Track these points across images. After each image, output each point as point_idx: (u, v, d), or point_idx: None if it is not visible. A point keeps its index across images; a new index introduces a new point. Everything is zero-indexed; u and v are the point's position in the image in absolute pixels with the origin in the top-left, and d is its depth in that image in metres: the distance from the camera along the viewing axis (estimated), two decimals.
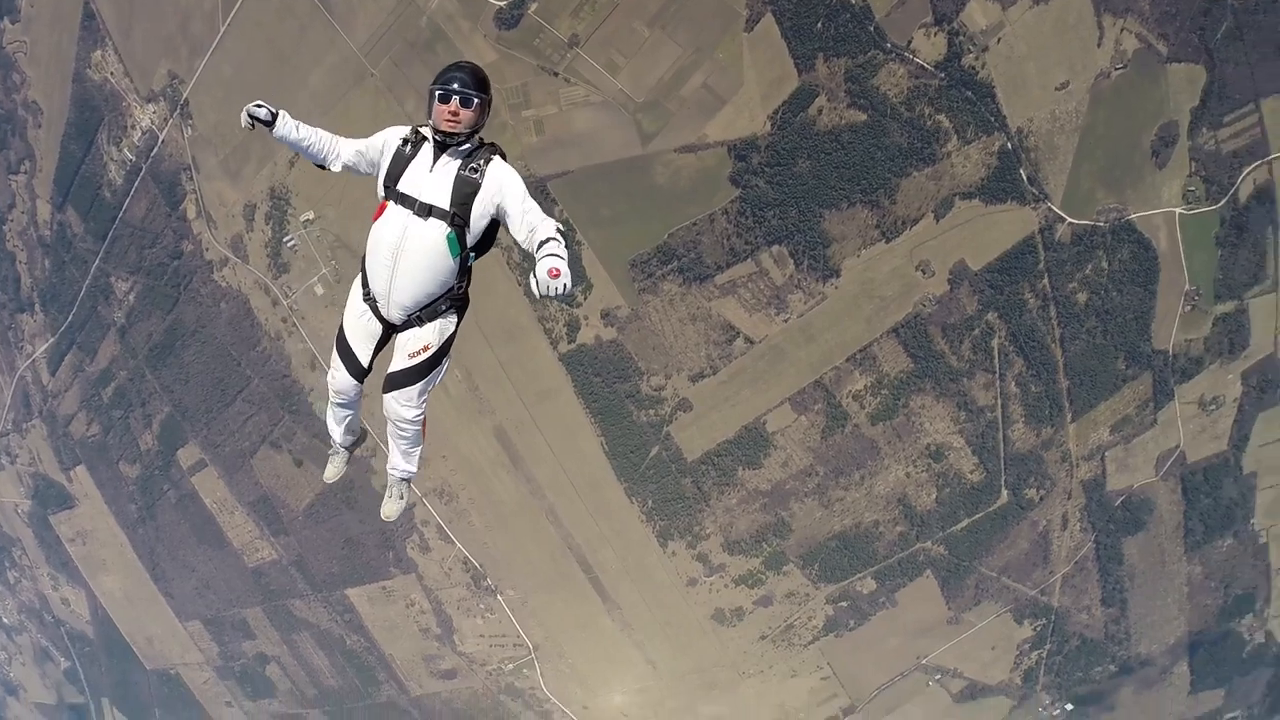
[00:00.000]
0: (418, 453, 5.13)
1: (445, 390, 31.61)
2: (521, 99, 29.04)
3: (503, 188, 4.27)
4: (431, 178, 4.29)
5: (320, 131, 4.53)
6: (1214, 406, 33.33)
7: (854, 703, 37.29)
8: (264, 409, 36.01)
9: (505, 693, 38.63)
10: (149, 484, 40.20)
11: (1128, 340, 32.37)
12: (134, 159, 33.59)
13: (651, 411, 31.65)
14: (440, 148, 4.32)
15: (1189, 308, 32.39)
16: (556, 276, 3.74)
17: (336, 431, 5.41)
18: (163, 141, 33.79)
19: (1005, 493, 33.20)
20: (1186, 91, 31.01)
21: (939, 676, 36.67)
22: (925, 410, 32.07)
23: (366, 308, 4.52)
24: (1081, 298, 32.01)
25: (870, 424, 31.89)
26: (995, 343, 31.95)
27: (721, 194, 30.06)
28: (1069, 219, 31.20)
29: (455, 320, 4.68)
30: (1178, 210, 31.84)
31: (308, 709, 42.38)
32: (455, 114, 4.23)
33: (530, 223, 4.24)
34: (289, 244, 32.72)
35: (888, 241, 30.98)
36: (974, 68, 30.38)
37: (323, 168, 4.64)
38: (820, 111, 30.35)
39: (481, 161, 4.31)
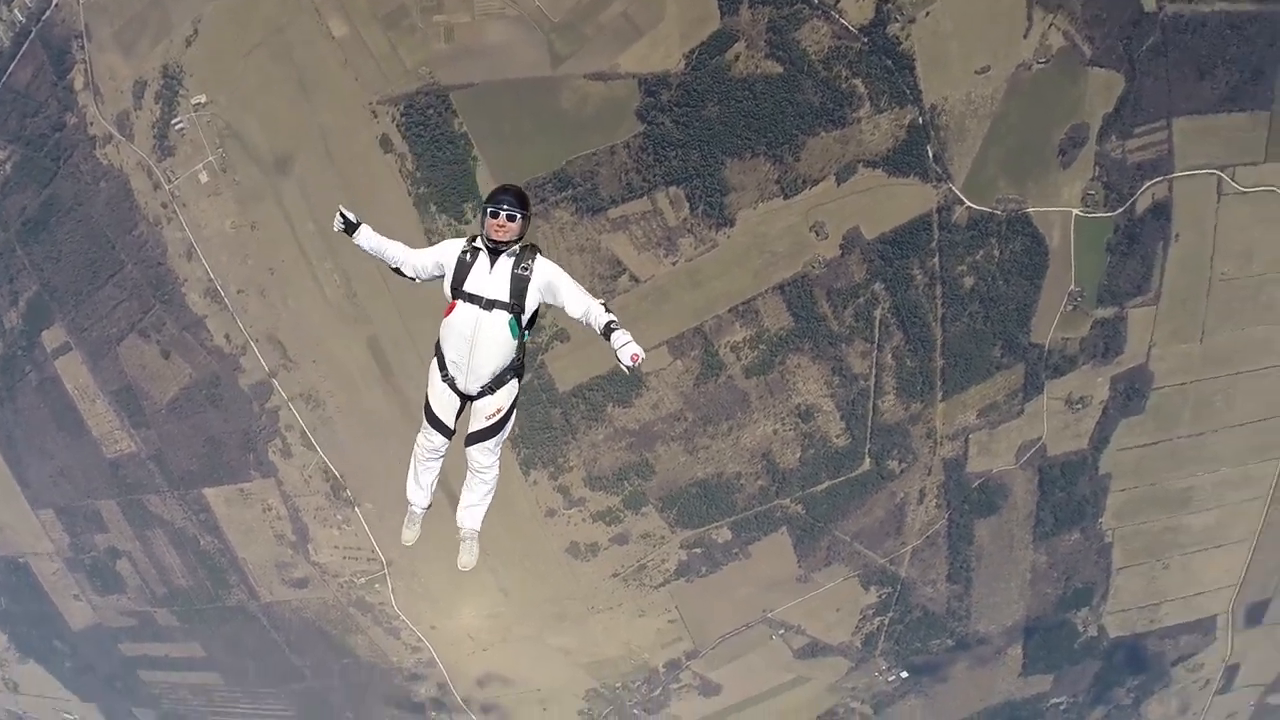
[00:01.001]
0: (488, 503, 7.25)
1: (322, 293, 36.54)
2: (434, 2, 32.89)
3: (551, 281, 6.13)
4: (491, 278, 6.10)
5: (396, 244, 6.56)
6: (1080, 406, 40.13)
7: (697, 648, 44.62)
8: (135, 296, 39.96)
9: (355, 606, 44.62)
10: (10, 364, 43.76)
11: (1007, 330, 38.66)
12: (23, 20, 36.24)
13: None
14: (493, 254, 6.11)
15: (1071, 307, 38.75)
16: (638, 360, 5.77)
17: (417, 495, 7.44)
18: (56, 5, 36.33)
19: (868, 461, 39.77)
20: (1103, 97, 36.92)
21: (783, 631, 43.92)
22: (800, 370, 38.07)
23: (446, 386, 6.46)
24: (968, 281, 37.97)
25: (744, 376, 37.81)
26: (878, 313, 37.93)
27: (626, 127, 34.79)
28: (968, 202, 36.99)
29: (517, 384, 6.49)
30: (1075, 211, 38.11)
31: (156, 607, 47.77)
32: (503, 226, 6.03)
33: (584, 305, 6.12)
34: (177, 126, 36.22)
35: (786, 198, 36.32)
36: (898, 37, 35.43)
37: (398, 272, 6.54)
38: (737, 58, 35.07)
39: (529, 260, 6.11)
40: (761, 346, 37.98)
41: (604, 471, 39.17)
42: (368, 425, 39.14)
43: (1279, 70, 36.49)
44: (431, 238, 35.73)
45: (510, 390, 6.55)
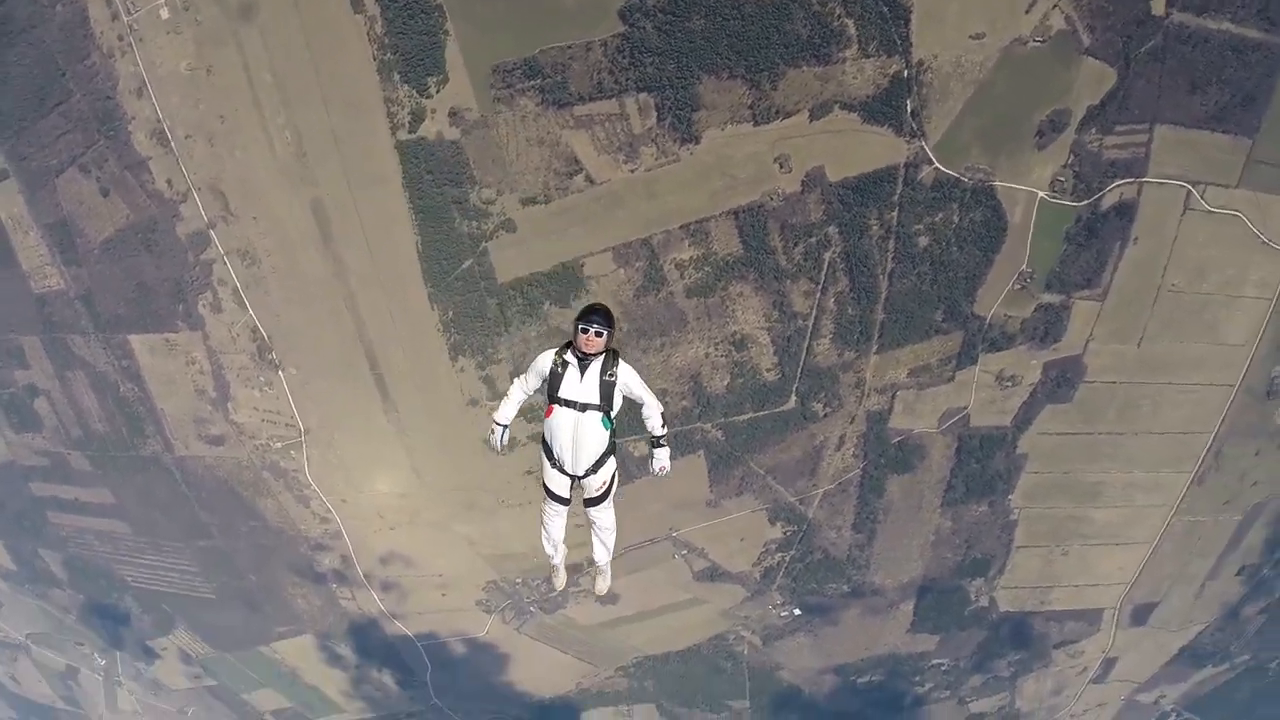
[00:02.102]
0: (612, 542, 10.79)
1: (272, 149, 42.68)
2: None
3: (629, 384, 9.26)
4: (582, 386, 9.07)
5: (518, 395, 9.88)
6: (1010, 384, 48.11)
7: None
8: (80, 128, 45.13)
9: (269, 470, 52.29)
10: None
11: (952, 296, 46.14)
12: None
13: (474, 224, 44.11)
14: (581, 364, 9.06)
15: (1019, 287, 46.21)
16: (664, 471, 9.51)
17: (553, 551, 10.89)
18: None
19: (794, 399, 47.71)
20: (1091, 88, 43.52)
21: (685, 552, 52.88)
22: (742, 299, 45.33)
23: (557, 471, 9.57)
24: (923, 241, 45.11)
25: (685, 296, 45.01)
26: (828, 256, 45.07)
27: (606, 25, 40.71)
28: (937, 164, 43.81)
29: (614, 459, 9.63)
30: (1041, 194, 45.14)
31: (70, 450, 55.22)
32: (592, 341, 8.91)
33: (652, 409, 9.57)
34: None
35: (756, 125, 42.81)
36: None
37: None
38: None
39: (614, 367, 9.10)
40: (707, 269, 44.95)
41: None
42: (302, 289, 46.05)
43: (1270, 102, 42.92)
44: (390, 106, 41.59)
45: (610, 466, 9.64)
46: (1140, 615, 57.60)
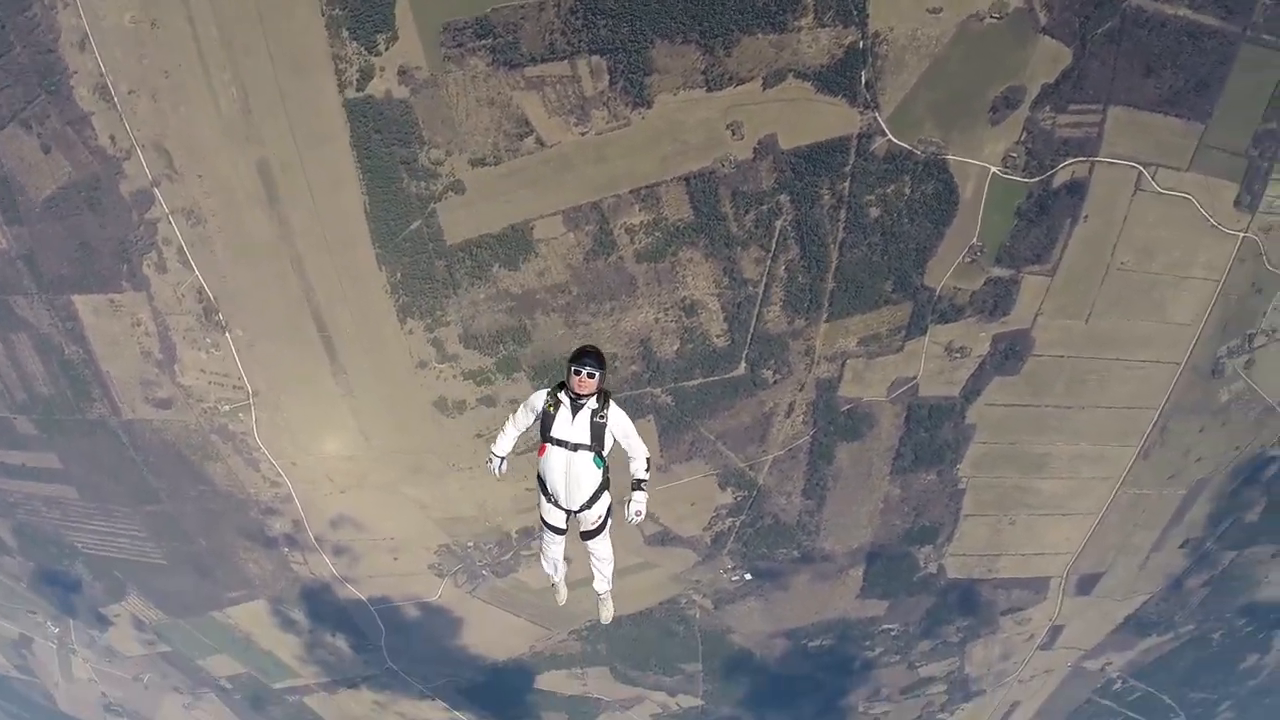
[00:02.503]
0: (610, 571, 12.43)
1: (217, 106, 45.10)
2: None
3: (619, 427, 10.25)
4: (574, 426, 10.16)
5: (513, 431, 11.20)
6: (959, 355, 51.86)
7: None
8: (21, 82, 46.63)
9: (217, 433, 55.21)
10: None
11: (902, 268, 49.64)
12: None
13: (423, 184, 46.92)
14: (574, 406, 10.12)
15: (969, 260, 49.72)
16: (640, 516, 10.74)
17: (552, 571, 12.69)
18: None
19: (744, 366, 51.32)
20: (1047, 67, 46.63)
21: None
22: (692, 265, 48.61)
23: (553, 506, 10.87)
24: (874, 212, 48.50)
25: (635, 260, 48.22)
26: (779, 224, 48.33)
27: None
28: (890, 136, 47.02)
29: (608, 494, 10.88)
30: (994, 169, 48.49)
31: (16, 414, 57.58)
32: (584, 383, 9.89)
33: (637, 452, 10.64)
34: None
35: (709, 91, 45.78)
36: None
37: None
38: None
39: (605, 409, 10.10)
40: (657, 234, 48.17)
41: (481, 331, 50.24)
42: (248, 249, 48.71)
43: (1224, 89, 46.29)
44: (338, 64, 44.11)
45: (605, 500, 10.94)
46: (1086, 585, 62.28)
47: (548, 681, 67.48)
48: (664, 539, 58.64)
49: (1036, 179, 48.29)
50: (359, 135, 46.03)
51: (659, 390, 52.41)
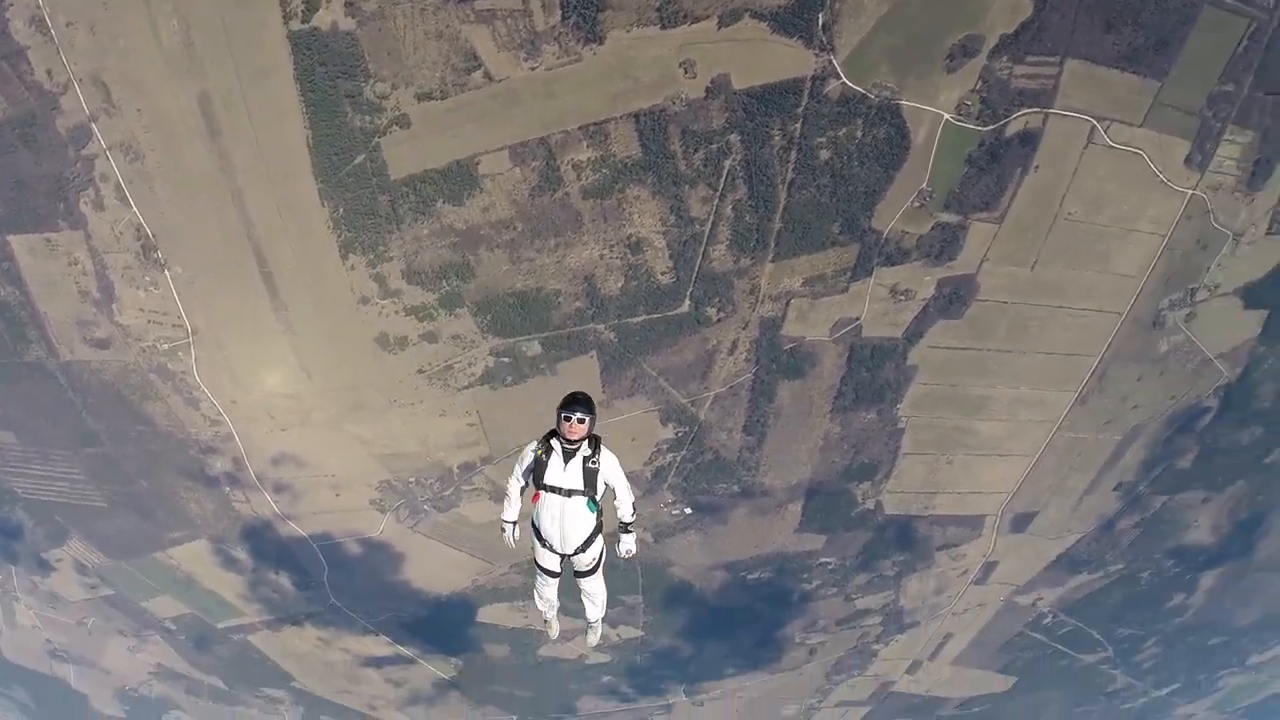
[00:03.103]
0: (603, 603, 14.05)
1: (157, 37, 47.93)
2: None
3: (611, 470, 11.90)
4: (566, 473, 11.72)
5: (517, 489, 12.82)
6: (903, 298, 57.75)
7: (493, 454, 63.33)
8: None
9: (156, 373, 59.20)
10: None
11: (850, 210, 55.03)
12: None
13: (367, 119, 50.81)
14: (566, 453, 11.72)
15: (918, 205, 55.23)
16: (631, 554, 12.92)
17: (546, 609, 14.35)
18: None
19: (688, 303, 56.69)
20: (1006, 17, 51.41)
21: None
22: (639, 202, 53.51)
23: (547, 550, 12.45)
24: (824, 154, 53.54)
25: (581, 197, 52.95)
26: (728, 163, 53.25)
27: None
28: (845, 79, 51.80)
29: (601, 537, 12.52)
30: (947, 116, 53.58)
31: None
32: (574, 429, 11.46)
33: (625, 497, 12.24)
34: None
35: (662, 28, 50.20)
36: None
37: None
38: None
39: (596, 454, 11.73)
40: (604, 170, 52.82)
41: (424, 267, 54.83)
42: (187, 186, 52.15)
43: (1183, 49, 51.42)
44: (290, 22, 47.87)
45: (599, 544, 12.60)
46: (1020, 523, 70.23)
47: (490, 615, 74.76)
48: None
49: (989, 128, 53.45)
50: (303, 68, 49.50)
51: (602, 326, 57.73)
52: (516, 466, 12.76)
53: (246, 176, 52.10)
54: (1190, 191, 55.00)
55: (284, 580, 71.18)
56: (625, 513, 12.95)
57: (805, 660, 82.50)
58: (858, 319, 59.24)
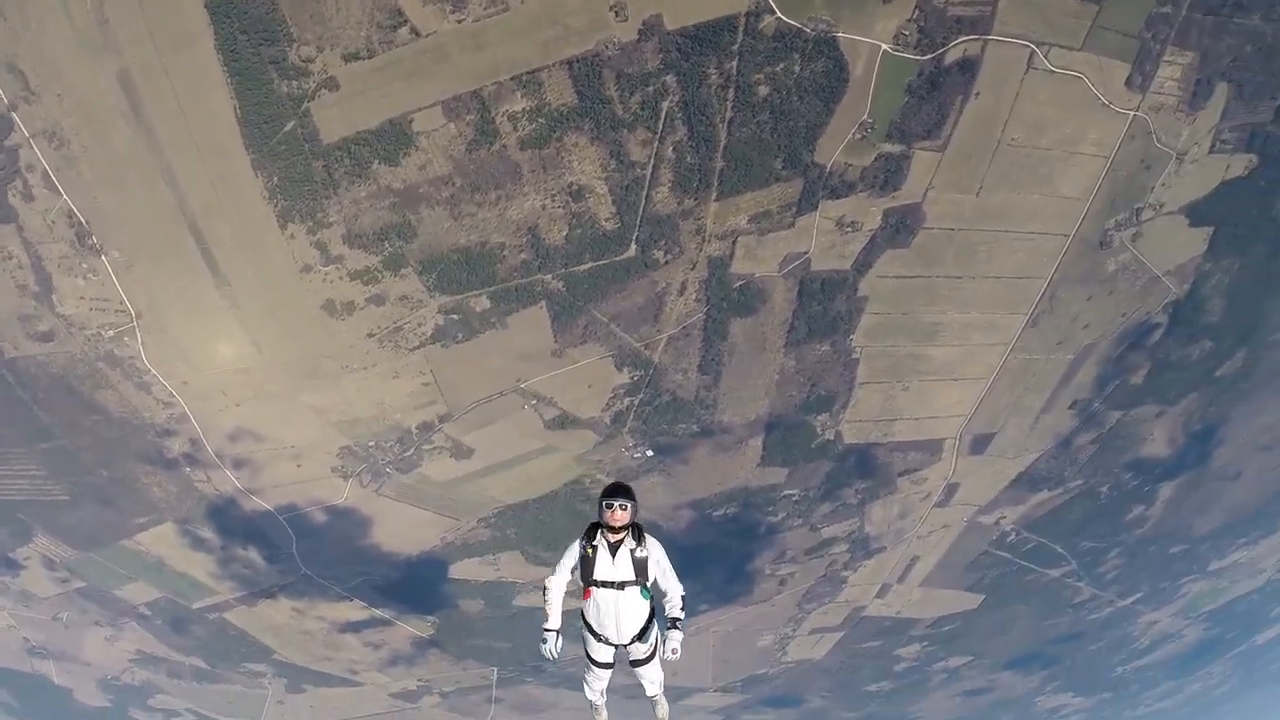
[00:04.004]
0: (660, 682, 14.20)
1: (69, 18, 48.46)
2: None
3: (658, 558, 12.43)
4: (615, 566, 12.27)
5: (559, 591, 12.85)
6: (850, 230, 60.26)
7: (451, 412, 65.90)
8: None
9: (104, 360, 60.41)
10: None
11: (792, 145, 57.13)
12: None
13: (295, 84, 51.91)
14: (612, 547, 12.25)
15: (860, 136, 57.46)
16: (676, 654, 13.04)
17: (596, 698, 14.72)
18: None
19: (634, 247, 58.89)
20: None
21: (535, 402, 65.39)
22: (578, 149, 55.34)
23: (600, 644, 13.01)
24: (763, 91, 55.40)
25: (519, 148, 54.67)
26: (665, 105, 55.04)
27: None
28: (779, 14, 53.47)
29: (656, 624, 12.98)
30: (885, 47, 55.53)
31: None
32: (617, 515, 12.02)
33: (672, 587, 12.66)
34: None
35: None
36: None
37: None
38: None
39: (643, 544, 12.31)
40: (540, 120, 54.48)
41: (364, 230, 56.50)
42: (115, 167, 53.03)
43: None
44: None
45: (653, 631, 13.10)
46: (979, 445, 74.00)
47: (461, 570, 78.12)
48: (563, 422, 67.49)
49: (928, 56, 55.51)
50: (224, 36, 50.37)
51: (549, 276, 59.87)
52: (560, 569, 13.01)
53: (176, 153, 53.13)
54: (1132, 113, 57.53)
55: (253, 555, 73.70)
56: (675, 608, 13.08)
57: (776, 591, 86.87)
58: (806, 253, 61.67)
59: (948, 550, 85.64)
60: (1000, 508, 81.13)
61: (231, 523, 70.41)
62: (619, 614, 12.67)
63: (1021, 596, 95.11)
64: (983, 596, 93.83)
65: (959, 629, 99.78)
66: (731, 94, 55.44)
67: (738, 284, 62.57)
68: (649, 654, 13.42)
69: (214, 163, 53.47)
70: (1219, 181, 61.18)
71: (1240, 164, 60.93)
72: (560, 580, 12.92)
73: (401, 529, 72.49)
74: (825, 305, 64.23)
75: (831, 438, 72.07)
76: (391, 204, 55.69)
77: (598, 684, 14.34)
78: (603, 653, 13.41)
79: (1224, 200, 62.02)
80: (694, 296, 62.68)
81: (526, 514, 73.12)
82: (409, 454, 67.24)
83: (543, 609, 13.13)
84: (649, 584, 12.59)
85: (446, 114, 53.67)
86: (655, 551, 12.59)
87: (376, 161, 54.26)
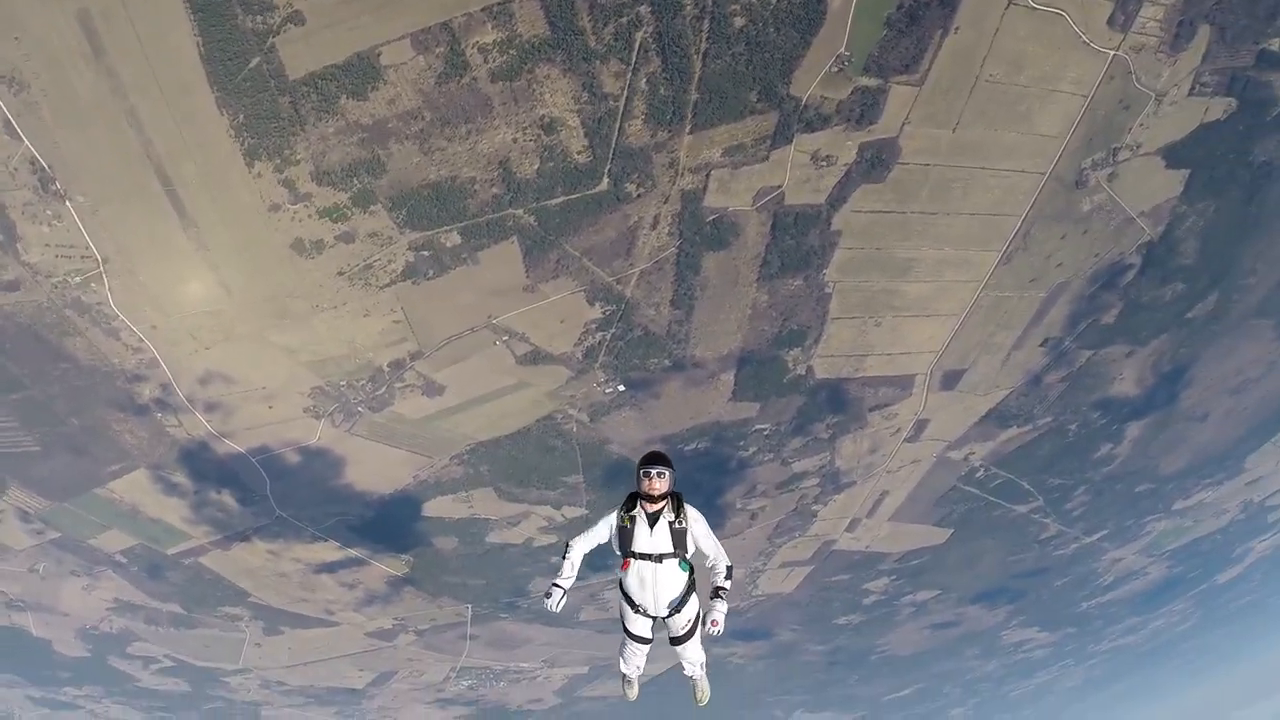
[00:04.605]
0: (701, 664, 14.47)
1: None
2: None
3: (697, 533, 12.77)
4: (654, 537, 12.55)
5: (578, 553, 13.36)
6: (825, 164, 61.37)
7: (422, 349, 66.99)
8: None
9: (71, 308, 60.57)
10: None
11: (768, 77, 57.95)
12: None
13: (259, 19, 51.78)
14: (651, 518, 12.52)
15: (836, 69, 58.36)
16: (717, 627, 13.14)
17: (630, 673, 14.86)
18: None
19: (606, 181, 59.80)
20: None
21: (506, 338, 66.75)
22: (550, 81, 55.90)
23: (639, 617, 13.13)
24: (739, 22, 56.09)
25: (490, 80, 55.12)
26: (639, 36, 55.68)
27: None
28: None
29: (695, 598, 13.13)
30: None
31: None
32: (655, 483, 12.32)
33: (715, 555, 13.22)
34: None
35: None
36: None
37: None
38: None
39: (682, 514, 12.60)
40: (512, 51, 54.90)
41: (332, 166, 56.70)
42: (78, 111, 52.52)
43: None
44: None
45: (693, 603, 13.25)
46: (950, 381, 76.26)
47: (435, 508, 79.90)
48: (535, 358, 68.85)
49: None
50: None
51: (521, 211, 60.69)
52: (589, 533, 13.48)
53: (139, 94, 52.83)
54: (1113, 52, 58.59)
55: (227, 498, 75.06)
56: (720, 576, 13.50)
57: (747, 525, 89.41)
58: (780, 187, 62.80)
59: (917, 485, 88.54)
60: (969, 444, 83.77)
61: (204, 467, 71.53)
62: (657, 585, 12.94)
63: (989, 532, 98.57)
64: (951, 531, 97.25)
65: (927, 563, 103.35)
66: (707, 25, 55.88)
67: (711, 218, 63.64)
68: (688, 629, 13.65)
69: (178, 102, 53.25)
70: (1197, 124, 62.71)
71: (1219, 108, 62.44)
72: (585, 544, 13.41)
73: (375, 468, 74.01)
74: (799, 240, 65.55)
75: (803, 373, 73.94)
76: (360, 139, 55.94)
77: (634, 659, 14.57)
78: (640, 625, 13.65)
79: (1201, 143, 63.65)
80: (666, 230, 63.74)
81: (499, 450, 74.84)
82: (381, 392, 68.41)
83: (560, 563, 13.58)
84: (688, 556, 12.89)
85: (415, 47, 53.83)
86: (696, 525, 12.98)
87: (344, 96, 54.33)
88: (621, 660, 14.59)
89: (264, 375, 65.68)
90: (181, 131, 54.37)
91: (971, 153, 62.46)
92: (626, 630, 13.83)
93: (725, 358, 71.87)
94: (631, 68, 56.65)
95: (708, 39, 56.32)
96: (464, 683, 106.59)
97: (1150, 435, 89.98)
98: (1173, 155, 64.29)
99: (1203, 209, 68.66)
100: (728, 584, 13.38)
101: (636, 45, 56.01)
